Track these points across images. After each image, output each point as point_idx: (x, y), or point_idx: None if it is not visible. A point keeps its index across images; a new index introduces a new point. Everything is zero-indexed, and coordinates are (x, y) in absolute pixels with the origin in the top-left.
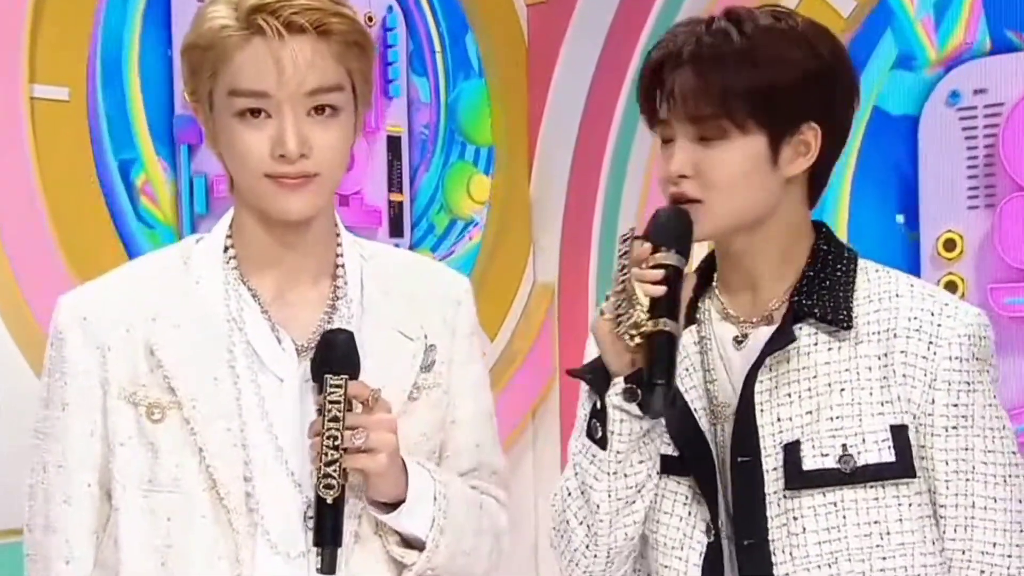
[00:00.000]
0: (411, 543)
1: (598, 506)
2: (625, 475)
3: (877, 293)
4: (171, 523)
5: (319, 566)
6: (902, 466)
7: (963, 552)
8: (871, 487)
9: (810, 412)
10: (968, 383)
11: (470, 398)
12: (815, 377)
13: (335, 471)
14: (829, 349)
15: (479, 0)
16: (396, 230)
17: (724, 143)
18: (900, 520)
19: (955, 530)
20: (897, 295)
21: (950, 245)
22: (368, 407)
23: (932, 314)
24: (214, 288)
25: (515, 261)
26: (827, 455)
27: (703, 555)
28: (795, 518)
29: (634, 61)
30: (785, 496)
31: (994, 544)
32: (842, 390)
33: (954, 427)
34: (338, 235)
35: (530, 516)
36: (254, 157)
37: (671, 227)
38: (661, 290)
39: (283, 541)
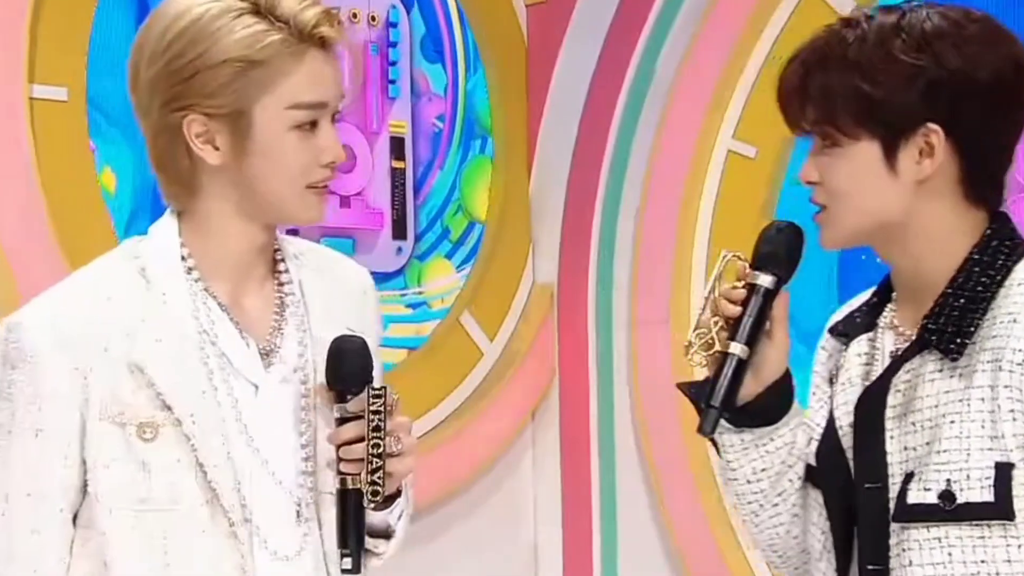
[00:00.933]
0: (372, 532)
1: (735, 506)
2: (748, 481)
3: (1002, 315)
4: (168, 541)
5: (348, 567)
6: (1001, 507)
7: None
8: (976, 526)
9: (928, 443)
10: None
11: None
12: (936, 407)
13: (380, 478)
14: (950, 377)
15: (479, 1)
16: (400, 232)
17: (838, 150)
18: (1009, 561)
19: None
20: (1015, 321)
21: None
22: (391, 413)
23: None
24: (181, 300)
25: (514, 261)
26: (930, 490)
27: (836, 570)
28: (904, 550)
29: (633, 61)
30: (897, 527)
31: None
32: (952, 422)
33: None
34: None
35: (529, 515)
36: (303, 167)
37: (772, 245)
38: (736, 311)
39: (281, 546)
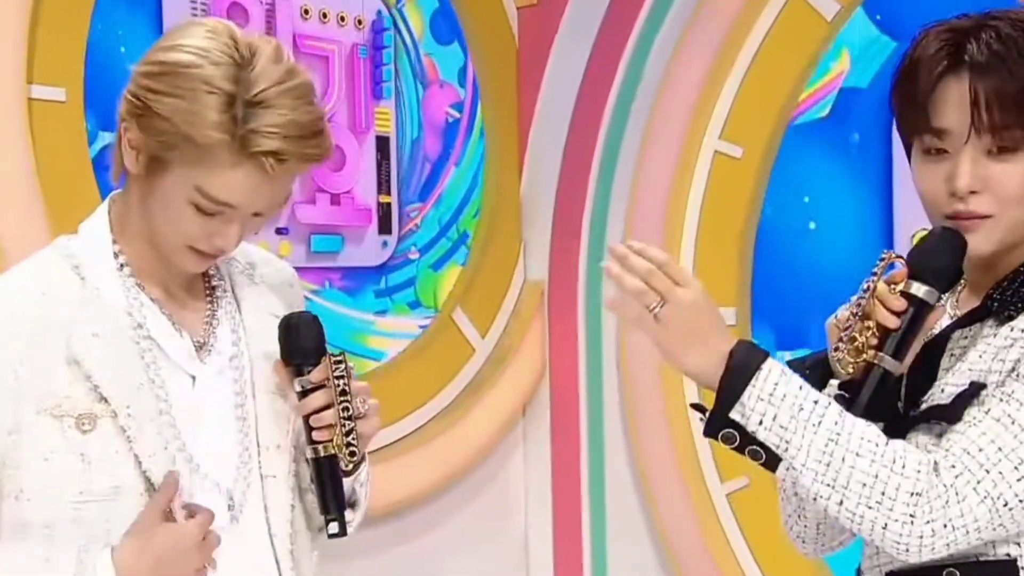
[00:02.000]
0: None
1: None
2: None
3: None
4: (110, 532)
5: (335, 531)
6: (949, 411)
7: (949, 443)
8: (922, 424)
9: (954, 370)
10: None
11: None
12: (978, 344)
13: (354, 439)
14: (993, 328)
15: (471, 6)
16: (385, 227)
17: (1012, 157)
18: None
19: (965, 422)
20: None
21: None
22: (350, 377)
23: None
24: (115, 296)
25: (505, 259)
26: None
27: None
28: None
29: (622, 63)
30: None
31: (980, 449)
32: (975, 356)
33: (1011, 392)
34: None
35: (520, 508)
36: (189, 236)
37: (936, 256)
38: (895, 322)
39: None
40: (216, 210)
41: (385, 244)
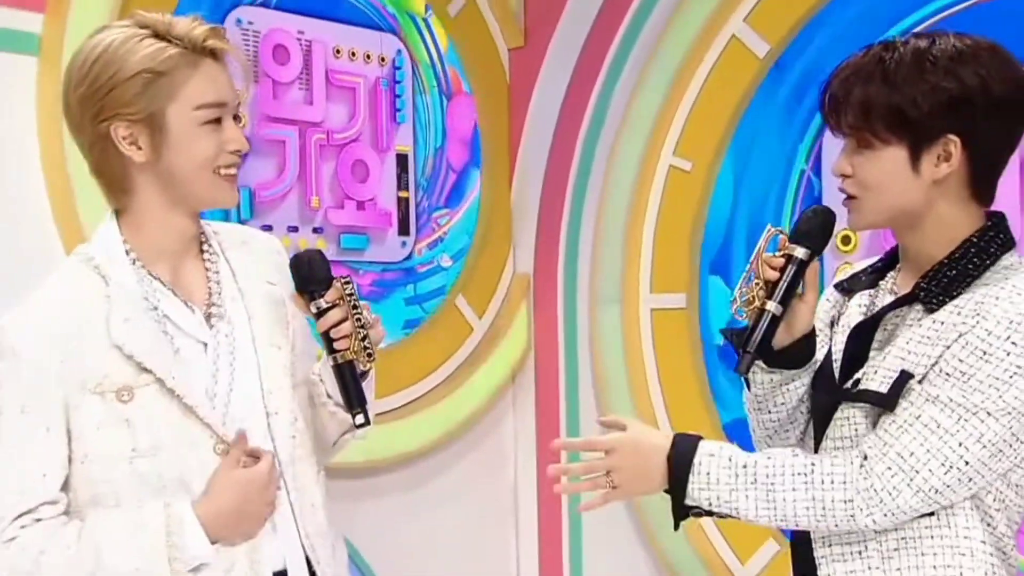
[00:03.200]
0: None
1: (753, 430)
2: (769, 411)
3: (983, 294)
4: (164, 484)
5: (361, 422)
6: (887, 399)
7: (884, 445)
8: (860, 407)
9: (884, 352)
10: (986, 352)
11: (299, 319)
12: (907, 343)
13: (369, 343)
14: (925, 326)
15: (471, 45)
16: (403, 229)
17: (871, 151)
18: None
19: (890, 426)
20: (996, 297)
21: (846, 240)
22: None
23: (997, 299)
24: (132, 286)
25: (499, 256)
26: (858, 381)
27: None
28: (831, 425)
29: (594, 94)
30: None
31: (911, 453)
32: (905, 340)
33: (948, 375)
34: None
35: (510, 461)
36: (210, 155)
37: (806, 224)
38: (775, 275)
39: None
40: (217, 114)
41: (404, 244)
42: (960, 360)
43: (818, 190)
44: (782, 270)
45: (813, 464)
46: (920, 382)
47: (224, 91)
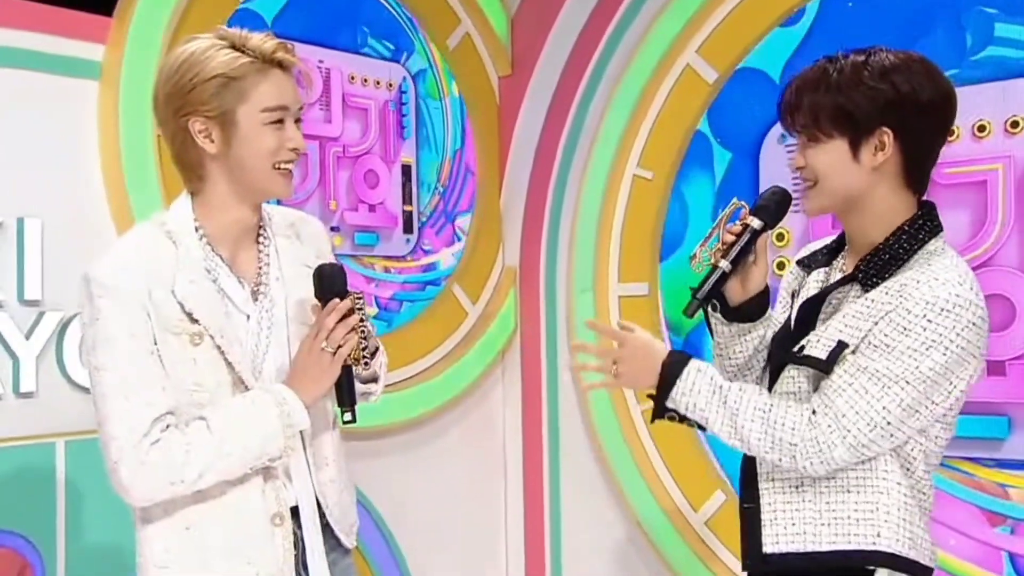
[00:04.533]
0: (364, 381)
1: (720, 372)
2: (729, 358)
3: (910, 277)
4: (211, 406)
5: (349, 419)
6: (825, 364)
7: (825, 406)
8: (801, 369)
9: (827, 324)
10: (906, 328)
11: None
12: (845, 317)
13: (367, 352)
14: (862, 302)
15: (467, 74)
16: (408, 228)
17: (819, 145)
18: (808, 393)
19: (830, 390)
20: (917, 281)
21: (780, 237)
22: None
23: (918, 282)
24: (197, 258)
25: (490, 251)
26: (803, 348)
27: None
28: (781, 381)
29: (570, 114)
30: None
31: (843, 415)
32: (843, 315)
33: (875, 347)
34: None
35: (499, 425)
36: (272, 150)
37: (765, 201)
38: (730, 239)
39: None
40: (280, 116)
41: (408, 240)
42: (885, 335)
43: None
44: (738, 235)
45: (772, 405)
46: (853, 352)
47: (287, 97)
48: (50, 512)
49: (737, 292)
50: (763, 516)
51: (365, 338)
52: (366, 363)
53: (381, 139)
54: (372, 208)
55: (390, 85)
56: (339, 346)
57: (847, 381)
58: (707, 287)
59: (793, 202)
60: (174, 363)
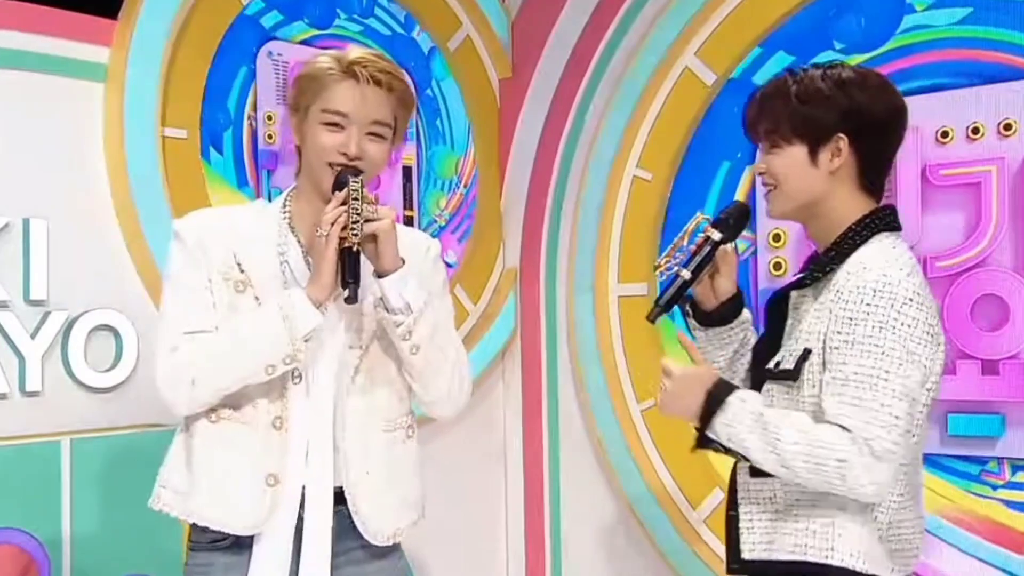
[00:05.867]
0: (391, 310)
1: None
2: (713, 363)
3: (850, 268)
4: None
5: (347, 296)
6: (792, 374)
7: (842, 416)
8: (782, 384)
9: (794, 336)
10: (852, 318)
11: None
12: (807, 319)
13: (357, 229)
14: (816, 301)
15: (468, 77)
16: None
17: (779, 150)
18: (794, 405)
19: (830, 411)
20: (848, 272)
21: (777, 238)
22: (363, 196)
23: (849, 273)
24: (272, 229)
25: (491, 253)
26: (779, 363)
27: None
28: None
29: (570, 116)
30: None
31: (864, 423)
32: (804, 323)
33: (837, 348)
34: None
35: (500, 423)
36: (325, 148)
37: (725, 214)
38: (693, 249)
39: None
40: (337, 120)
41: None
42: (838, 332)
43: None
44: (700, 247)
45: (811, 426)
46: (815, 354)
47: (350, 105)
48: (55, 510)
49: (709, 298)
50: (741, 524)
51: (358, 213)
52: (355, 233)
53: None
54: None
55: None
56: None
57: (838, 400)
58: (668, 294)
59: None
60: (219, 304)
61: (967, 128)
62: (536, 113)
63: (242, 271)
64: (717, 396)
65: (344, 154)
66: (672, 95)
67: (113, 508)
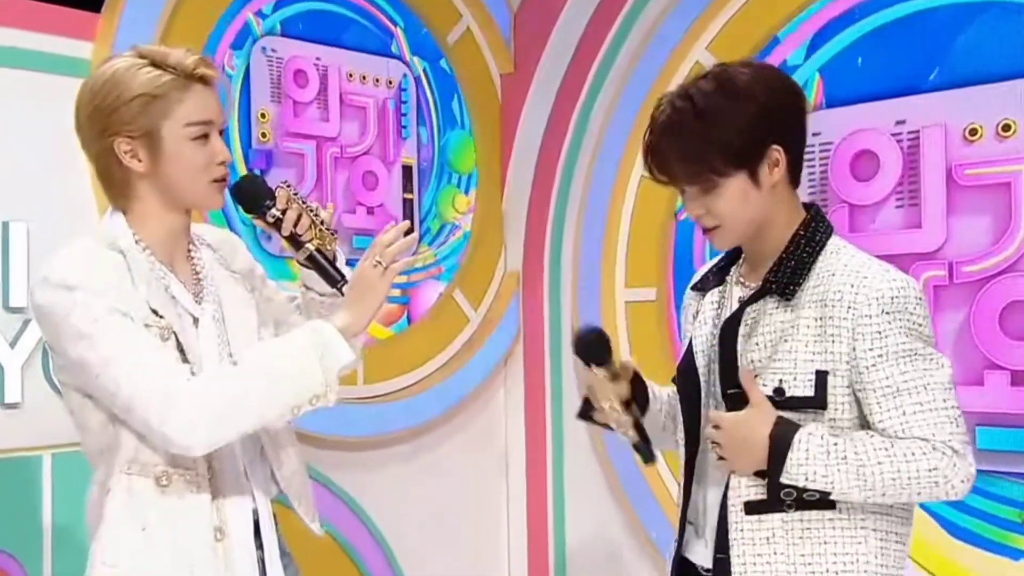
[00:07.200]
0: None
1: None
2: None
3: (822, 271)
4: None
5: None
6: (817, 400)
7: (911, 428)
8: (799, 412)
9: (768, 356)
10: (879, 332)
11: (274, 288)
12: (773, 332)
13: (327, 228)
14: (784, 312)
15: (467, 72)
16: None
17: (717, 190)
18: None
19: (893, 427)
20: (832, 274)
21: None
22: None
23: (851, 286)
24: (145, 264)
25: (492, 256)
26: (767, 386)
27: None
28: None
29: (574, 116)
30: None
31: (932, 434)
32: (785, 341)
33: (873, 364)
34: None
35: (501, 431)
36: (202, 166)
37: (592, 350)
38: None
39: None
40: (205, 131)
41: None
42: (870, 350)
43: None
44: (627, 407)
45: (892, 441)
46: (843, 376)
47: (211, 111)
48: (36, 528)
49: (628, 425)
50: (733, 570)
51: (316, 213)
52: (332, 233)
53: (380, 139)
54: (371, 210)
55: (389, 83)
56: (305, 238)
57: (900, 413)
58: (643, 452)
59: None
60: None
61: (997, 125)
62: (539, 110)
63: (160, 316)
64: (784, 436)
65: (222, 163)
66: None
67: None
